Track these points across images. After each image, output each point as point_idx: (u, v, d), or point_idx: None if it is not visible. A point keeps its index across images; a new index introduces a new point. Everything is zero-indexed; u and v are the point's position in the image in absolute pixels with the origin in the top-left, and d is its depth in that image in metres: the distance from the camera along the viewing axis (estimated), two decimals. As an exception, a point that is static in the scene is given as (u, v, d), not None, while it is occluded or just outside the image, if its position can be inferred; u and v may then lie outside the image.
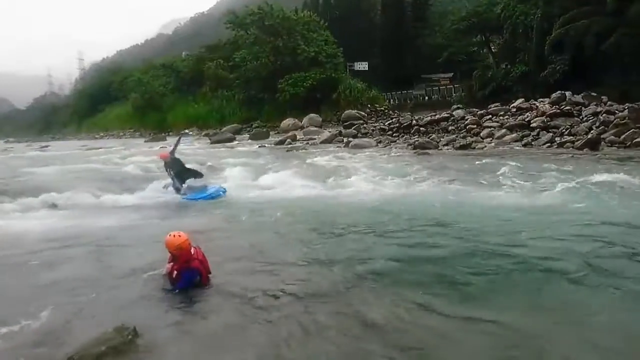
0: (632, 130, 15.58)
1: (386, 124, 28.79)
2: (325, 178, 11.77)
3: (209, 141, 33.63)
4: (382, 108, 47.78)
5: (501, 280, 4.84)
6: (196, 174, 11.11)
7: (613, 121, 17.15)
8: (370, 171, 12.56)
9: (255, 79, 53.11)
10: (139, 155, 21.01)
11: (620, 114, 17.94)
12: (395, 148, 20.67)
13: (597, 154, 14.25)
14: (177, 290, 4.96)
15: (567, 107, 20.25)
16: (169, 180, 11.03)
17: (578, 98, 22.06)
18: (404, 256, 5.71)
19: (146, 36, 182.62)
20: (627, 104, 19.90)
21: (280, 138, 29.55)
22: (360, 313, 4.16)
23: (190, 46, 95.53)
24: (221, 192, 10.52)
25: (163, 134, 48.34)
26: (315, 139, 28.20)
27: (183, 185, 10.76)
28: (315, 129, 34.89)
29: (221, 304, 4.63)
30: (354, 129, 28.26)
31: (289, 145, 25.72)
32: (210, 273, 5.25)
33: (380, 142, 23.44)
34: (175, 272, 5.02)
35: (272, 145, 27.25)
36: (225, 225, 8.07)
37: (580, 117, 19.36)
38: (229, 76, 58.35)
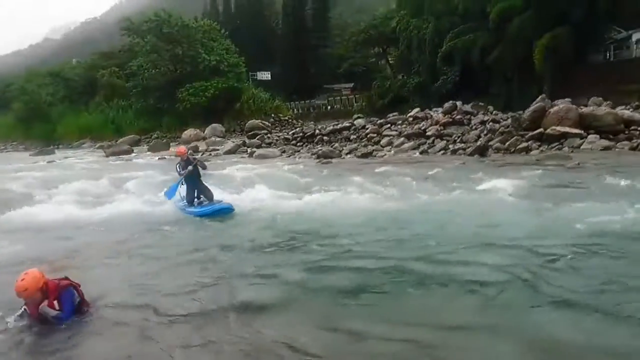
0: (515, 137, 16.84)
1: (290, 133, 28.80)
2: (229, 190, 11.37)
3: (103, 153, 31.57)
4: (286, 118, 47.89)
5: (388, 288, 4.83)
6: (208, 192, 9.91)
7: (498, 129, 18.44)
8: (274, 181, 12.34)
9: (154, 87, 51.02)
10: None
11: (504, 122, 19.35)
12: (300, 157, 20.69)
13: (485, 160, 15.21)
14: (64, 322, 4.44)
15: (458, 116, 21.44)
16: (174, 187, 10.04)
17: (468, 107, 23.49)
18: (312, 269, 5.58)
19: (31, 41, 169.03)
20: (510, 113, 21.57)
21: (181, 149, 28.43)
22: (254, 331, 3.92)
23: (82, 53, 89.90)
24: (229, 208, 9.32)
25: (51, 147, 44.69)
26: (218, 149, 27.51)
27: (195, 198, 9.84)
28: (219, 139, 34.10)
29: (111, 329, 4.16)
30: (258, 139, 27.98)
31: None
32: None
33: (284, 151, 23.37)
34: (53, 302, 4.46)
35: (173, 156, 26.11)
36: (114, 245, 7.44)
37: (470, 125, 20.59)
38: (125, 85, 55.54)
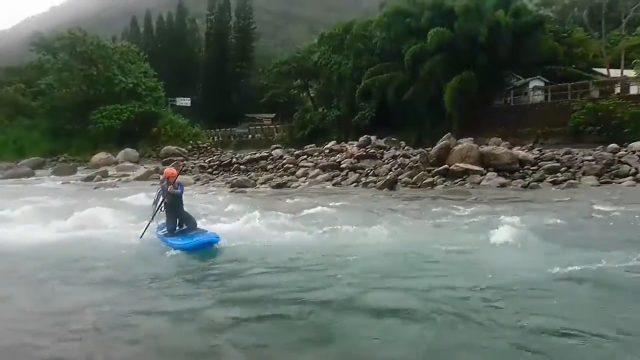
0: (422, 172, 17.66)
1: (206, 161, 28.32)
2: (130, 219, 10.87)
3: (0, 176, 29.17)
4: (205, 145, 47.11)
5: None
6: (191, 222, 8.90)
7: (408, 164, 19.25)
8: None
9: (64, 108, 48.41)
10: None
11: (414, 157, 20.24)
12: (213, 186, 20.31)
13: (393, 193, 15.77)
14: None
15: (372, 150, 22.18)
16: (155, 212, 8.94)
17: (381, 142, 24.42)
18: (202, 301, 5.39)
19: None
20: (420, 149, 22.64)
21: (89, 174, 26.99)
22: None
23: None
24: (215, 240, 8.28)
25: None
26: (129, 175, 26.38)
27: (177, 227, 8.85)
28: (131, 164, 32.79)
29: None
30: (172, 166, 27.15)
31: (98, 182, 23.56)
32: None
33: (198, 179, 22.85)
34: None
35: (78, 181, 24.71)
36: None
37: (383, 159, 21.33)
38: (31, 103, 52.25)
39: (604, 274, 5.87)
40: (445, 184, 16.80)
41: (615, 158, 16.93)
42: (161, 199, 8.82)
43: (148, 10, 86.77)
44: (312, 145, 27.34)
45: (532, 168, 17.37)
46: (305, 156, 23.97)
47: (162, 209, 8.90)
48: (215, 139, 57.77)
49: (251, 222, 9.88)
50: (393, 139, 26.93)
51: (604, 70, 40.36)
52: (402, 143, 26.13)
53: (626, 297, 5.29)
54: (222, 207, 13.10)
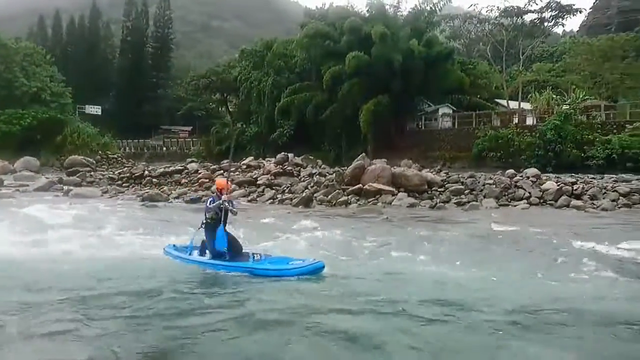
0: (337, 190, 18.08)
1: (116, 173, 27.04)
2: (16, 233, 10.09)
3: None
4: (115, 156, 44.91)
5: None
6: (237, 243, 7.76)
7: (324, 182, 19.61)
8: (84, 225, 11.34)
9: (-46, 110, 44.22)
10: None
11: (329, 176, 20.66)
12: (122, 199, 19.43)
13: (308, 211, 15.98)
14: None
15: (289, 168, 22.36)
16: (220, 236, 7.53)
17: (299, 160, 24.71)
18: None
19: None
20: (336, 168, 23.15)
21: (-21, 183, 24.75)
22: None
23: None
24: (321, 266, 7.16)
25: None
26: (28, 185, 24.50)
27: (227, 251, 7.52)
28: (31, 174, 30.43)
29: None
30: (78, 177, 25.68)
31: (-9, 192, 21.67)
32: None
33: (106, 192, 21.77)
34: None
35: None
36: None
37: (300, 177, 21.57)
38: None
39: (494, 281, 6.37)
40: (358, 202, 17.29)
41: (512, 182, 18.31)
42: (209, 214, 7.51)
43: (57, 10, 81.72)
44: (229, 160, 27.00)
45: (439, 189, 18.35)
46: (222, 171, 23.64)
47: (202, 227, 7.69)
48: (127, 150, 55.42)
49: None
50: (310, 157, 27.35)
51: (504, 102, 43.78)
52: (319, 162, 26.58)
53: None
54: (131, 221, 12.55)
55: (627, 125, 30.91)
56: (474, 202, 16.71)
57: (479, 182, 18.74)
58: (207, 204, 7.66)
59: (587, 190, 16.95)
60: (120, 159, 44.61)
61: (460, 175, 20.01)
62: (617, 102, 38.36)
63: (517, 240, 10.02)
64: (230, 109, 62.25)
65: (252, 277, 7.11)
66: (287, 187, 19.87)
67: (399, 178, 18.62)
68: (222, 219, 7.50)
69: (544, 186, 17.47)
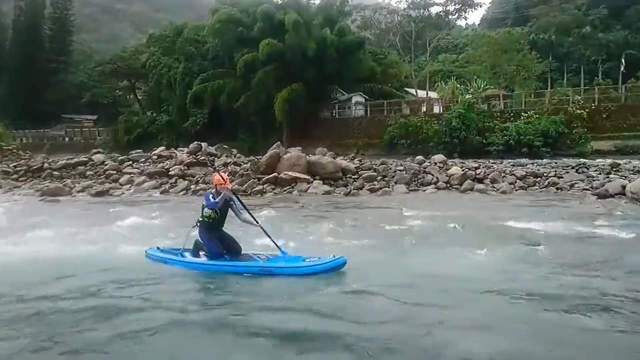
0: (252, 180, 17.93)
1: (11, 166, 24.86)
2: None
3: None
4: (10, 147, 41.21)
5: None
6: (236, 244, 7.00)
7: (239, 172, 19.36)
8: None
9: None
10: None
11: (244, 165, 20.43)
12: (19, 195, 17.96)
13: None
14: None
15: (202, 157, 21.78)
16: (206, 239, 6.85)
17: (212, 149, 24.14)
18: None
19: None
20: (252, 157, 22.91)
21: None
22: None
23: None
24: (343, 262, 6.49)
25: None
26: None
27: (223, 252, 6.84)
28: None
29: None
30: (-36, 171, 23.33)
31: None
32: None
33: (0, 187, 20.00)
34: None
35: None
36: None
37: (214, 166, 21.05)
38: None
39: (405, 264, 6.65)
40: (274, 191, 17.26)
41: (421, 168, 19.17)
42: (207, 211, 6.76)
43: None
44: (139, 150, 25.82)
45: (353, 177, 18.78)
46: (131, 162, 22.58)
47: (197, 225, 6.96)
48: (25, 141, 51.17)
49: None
50: (225, 146, 26.85)
51: (413, 91, 45.61)
52: (234, 151, 26.17)
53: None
54: (27, 218, 11.63)
55: (522, 113, 33.41)
56: (386, 188, 17.29)
57: (390, 169, 19.42)
58: (206, 200, 6.79)
59: (488, 175, 18.13)
60: (15, 150, 41.03)
61: (373, 162, 20.59)
62: (514, 92, 41.31)
63: (426, 223, 10.52)
64: (139, 97, 59.52)
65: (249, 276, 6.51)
66: (201, 178, 19.38)
67: (314, 166, 18.82)
68: (220, 219, 6.85)
69: (450, 171, 18.44)
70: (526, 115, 32.75)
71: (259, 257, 6.82)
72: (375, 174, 18.82)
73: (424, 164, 19.77)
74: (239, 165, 20.69)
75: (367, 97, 42.22)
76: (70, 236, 9.10)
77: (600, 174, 19.22)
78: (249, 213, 6.99)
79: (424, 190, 17.10)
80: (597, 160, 25.68)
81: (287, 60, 38.14)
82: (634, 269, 6.71)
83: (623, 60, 48.60)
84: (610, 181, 15.91)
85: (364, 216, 12.04)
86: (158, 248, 7.52)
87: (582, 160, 25.93)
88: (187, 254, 7.13)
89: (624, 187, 14.16)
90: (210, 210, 6.71)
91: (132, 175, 20.52)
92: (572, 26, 62.22)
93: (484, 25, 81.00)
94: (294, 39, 37.62)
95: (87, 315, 5.07)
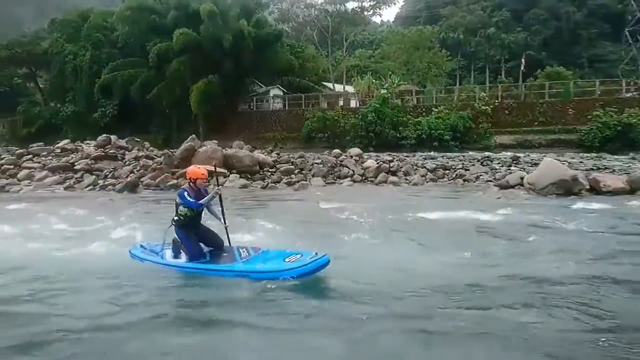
0: (166, 174, 17.28)
1: None
2: None
3: None
4: None
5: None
6: (217, 238, 6.47)
7: (151, 165, 18.59)
8: None
9: None
10: None
11: (158, 159, 19.65)
12: None
13: (134, 197, 15.01)
14: None
15: (112, 151, 20.69)
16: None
17: (123, 142, 23.00)
18: None
19: None
20: (166, 150, 22.09)
21: None
22: None
23: None
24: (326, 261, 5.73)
25: None
26: None
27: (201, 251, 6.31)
28: None
29: None
30: None
31: None
32: None
33: None
34: None
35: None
36: None
37: (124, 161, 20.13)
38: None
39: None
40: (189, 185, 16.77)
41: (338, 162, 19.48)
42: (182, 209, 6.18)
43: None
44: (40, 143, 24.00)
45: (271, 170, 18.71)
46: (31, 156, 20.94)
47: (173, 225, 6.36)
48: None
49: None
50: (137, 139, 25.68)
51: (330, 85, 46.20)
52: (147, 144, 25.13)
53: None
54: None
55: (433, 109, 34.97)
56: (304, 181, 17.36)
57: (308, 162, 19.57)
58: (184, 198, 6.16)
59: (401, 168, 18.76)
60: None
61: (290, 156, 20.62)
62: (426, 88, 43.13)
63: (342, 216, 10.68)
64: (41, 85, 55.30)
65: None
66: (110, 172, 18.40)
67: (231, 159, 18.52)
68: (196, 217, 6.33)
69: (365, 164, 18.91)
70: (437, 110, 34.31)
71: (240, 251, 6.27)
72: (292, 167, 18.86)
73: (341, 157, 20.12)
74: (152, 158, 19.92)
75: (285, 90, 42.17)
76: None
77: (502, 166, 20.61)
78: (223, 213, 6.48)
79: (341, 183, 17.38)
80: (501, 153, 27.56)
81: (202, 51, 37.12)
82: (526, 250, 7.38)
83: (523, 60, 52.28)
84: (511, 173, 17.07)
85: (279, 209, 12.02)
86: (141, 246, 6.97)
87: (487, 153, 27.73)
88: (168, 252, 6.57)
89: (522, 178, 15.23)
90: (186, 208, 6.19)
91: (32, 170, 19.04)
92: (478, 27, 66.10)
93: (398, 22, 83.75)
94: (209, 29, 36.66)
95: None
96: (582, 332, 4.34)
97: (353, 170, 18.46)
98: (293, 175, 18.02)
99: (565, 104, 33.44)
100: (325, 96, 42.05)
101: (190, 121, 38.01)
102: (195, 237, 6.33)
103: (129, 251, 6.94)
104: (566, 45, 67.18)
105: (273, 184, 17.06)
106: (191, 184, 6.30)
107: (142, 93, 38.92)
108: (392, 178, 17.60)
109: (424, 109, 35.76)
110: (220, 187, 6.56)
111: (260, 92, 42.33)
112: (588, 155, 26.54)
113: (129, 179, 16.86)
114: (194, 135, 21.40)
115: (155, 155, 20.57)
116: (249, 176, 17.99)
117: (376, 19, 65.10)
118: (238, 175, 17.69)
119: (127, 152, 21.37)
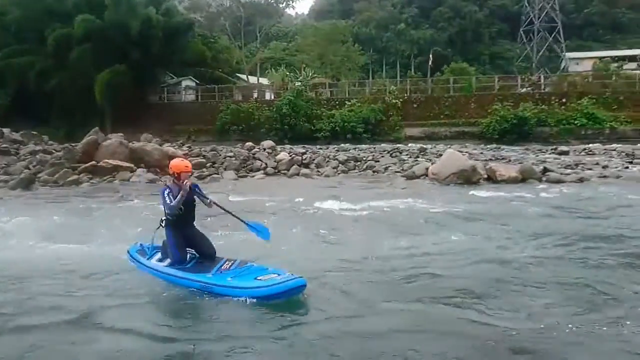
0: (66, 169, 16.25)
1: None
2: None
3: None
4: None
5: None
6: (206, 242, 5.83)
7: (50, 160, 17.41)
8: None
9: None
10: None
11: (57, 153, 18.45)
12: None
13: (28, 194, 13.98)
14: None
15: (4, 145, 19.27)
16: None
17: (17, 136, 21.42)
18: None
19: None
20: (67, 144, 20.77)
21: None
22: None
23: None
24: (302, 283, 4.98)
25: None
26: None
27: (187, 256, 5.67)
28: None
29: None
30: None
31: None
32: None
33: None
34: None
35: None
36: None
37: (19, 155, 18.77)
38: None
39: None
40: (92, 181, 15.90)
41: (251, 155, 19.37)
42: (168, 207, 5.44)
43: None
44: None
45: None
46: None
47: (162, 226, 5.69)
48: None
49: None
50: (34, 132, 24.00)
51: (245, 77, 45.70)
52: (45, 137, 23.59)
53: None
54: None
55: (346, 102, 35.71)
56: (215, 175, 17.11)
57: (220, 155, 19.29)
58: (164, 198, 5.49)
59: (314, 160, 19.03)
60: None
61: (202, 149, 20.25)
62: (339, 82, 43.93)
63: (247, 209, 10.66)
64: None
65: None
66: (2, 168, 17.05)
67: (139, 153, 17.81)
68: (184, 215, 5.62)
69: (278, 157, 18.95)
70: (350, 103, 35.08)
71: (223, 264, 5.56)
72: (204, 160, 18.51)
73: (254, 150, 20.03)
74: (50, 153, 18.72)
75: (198, 81, 41.11)
76: None
77: (410, 157, 21.53)
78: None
79: (253, 176, 17.30)
80: (409, 145, 28.74)
81: (108, 39, 35.18)
82: (429, 231, 8.01)
83: (431, 55, 54.73)
84: (417, 164, 17.88)
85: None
86: (140, 245, 6.38)
87: (397, 145, 28.80)
88: (157, 254, 6.06)
89: (427, 169, 16.02)
90: (173, 209, 5.51)
91: None
92: (389, 22, 68.29)
93: (312, 15, 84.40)
94: (114, 16, 34.84)
95: None
96: (468, 311, 4.68)
97: (266, 163, 18.45)
98: (204, 169, 17.67)
99: (468, 99, 35.52)
100: (240, 88, 41.55)
101: (96, 114, 35.90)
102: (182, 240, 5.70)
103: (127, 251, 6.40)
104: (469, 42, 71.32)
105: (183, 178, 16.61)
106: (174, 179, 5.62)
107: (41, 83, 36.19)
108: (304, 170, 17.78)
109: (337, 102, 36.41)
110: (191, 186, 5.68)
111: (172, 83, 40.97)
112: (488, 146, 28.44)
113: (23, 175, 15.68)
114: (97, 128, 20.27)
115: (55, 150, 19.36)
116: (158, 170, 17.36)
117: (291, 11, 65.14)
118: (146, 170, 17.03)
119: (22, 146, 19.97)
